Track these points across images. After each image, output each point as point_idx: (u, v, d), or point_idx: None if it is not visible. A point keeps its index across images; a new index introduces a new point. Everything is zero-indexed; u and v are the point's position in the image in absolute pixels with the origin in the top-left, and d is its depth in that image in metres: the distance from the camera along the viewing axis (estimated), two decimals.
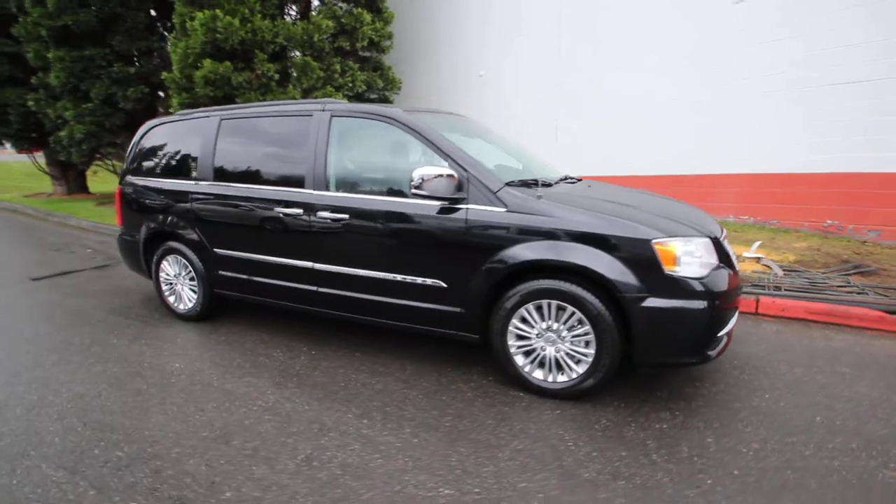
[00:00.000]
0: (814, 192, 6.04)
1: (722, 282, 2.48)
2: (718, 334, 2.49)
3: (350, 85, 8.12)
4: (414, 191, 2.68)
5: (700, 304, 2.38)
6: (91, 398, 2.77)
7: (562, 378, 2.66)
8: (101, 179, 14.00)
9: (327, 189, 3.13)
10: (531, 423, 2.48)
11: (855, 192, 5.79)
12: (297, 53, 7.93)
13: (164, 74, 7.67)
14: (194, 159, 3.75)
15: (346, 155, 3.19)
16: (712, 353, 2.50)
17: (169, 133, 4.03)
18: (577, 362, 2.62)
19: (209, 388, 2.88)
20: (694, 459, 2.17)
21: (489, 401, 2.70)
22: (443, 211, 2.77)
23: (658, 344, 2.46)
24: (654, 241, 2.40)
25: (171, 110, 8.00)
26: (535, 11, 8.45)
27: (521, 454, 2.21)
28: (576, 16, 7.98)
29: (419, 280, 2.88)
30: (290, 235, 3.27)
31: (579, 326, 2.57)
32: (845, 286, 4.25)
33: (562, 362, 2.65)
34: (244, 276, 3.55)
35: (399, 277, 2.93)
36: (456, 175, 2.67)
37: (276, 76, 7.47)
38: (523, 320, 2.69)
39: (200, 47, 7.01)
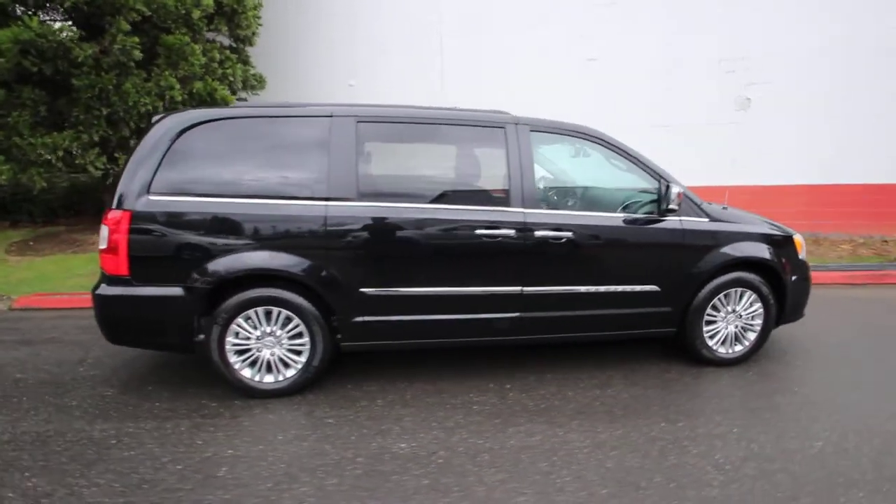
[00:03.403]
0: None
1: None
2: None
3: (231, 79, 6.62)
4: (671, 206, 2.94)
5: (806, 277, 3.54)
6: None
7: (738, 347, 3.41)
8: None
9: (539, 207, 2.95)
10: (756, 384, 3.16)
11: None
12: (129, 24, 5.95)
13: None
14: (315, 170, 2.72)
15: (547, 171, 3.07)
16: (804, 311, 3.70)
17: (235, 134, 2.74)
18: (746, 332, 3.42)
19: (501, 457, 2.38)
20: (874, 388, 3.18)
21: (705, 380, 3.21)
22: (664, 223, 3.10)
23: (792, 309, 3.50)
24: (794, 236, 3.43)
25: None
26: (411, 25, 8.70)
27: (790, 407, 2.87)
28: (457, 45, 8.65)
29: (638, 288, 3.12)
30: (493, 260, 2.92)
31: (750, 306, 3.36)
32: None
33: (740, 336, 3.40)
34: (408, 318, 2.87)
35: (619, 288, 3.08)
36: (682, 191, 3.06)
37: (139, 55, 5.47)
38: (713, 308, 3.30)
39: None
